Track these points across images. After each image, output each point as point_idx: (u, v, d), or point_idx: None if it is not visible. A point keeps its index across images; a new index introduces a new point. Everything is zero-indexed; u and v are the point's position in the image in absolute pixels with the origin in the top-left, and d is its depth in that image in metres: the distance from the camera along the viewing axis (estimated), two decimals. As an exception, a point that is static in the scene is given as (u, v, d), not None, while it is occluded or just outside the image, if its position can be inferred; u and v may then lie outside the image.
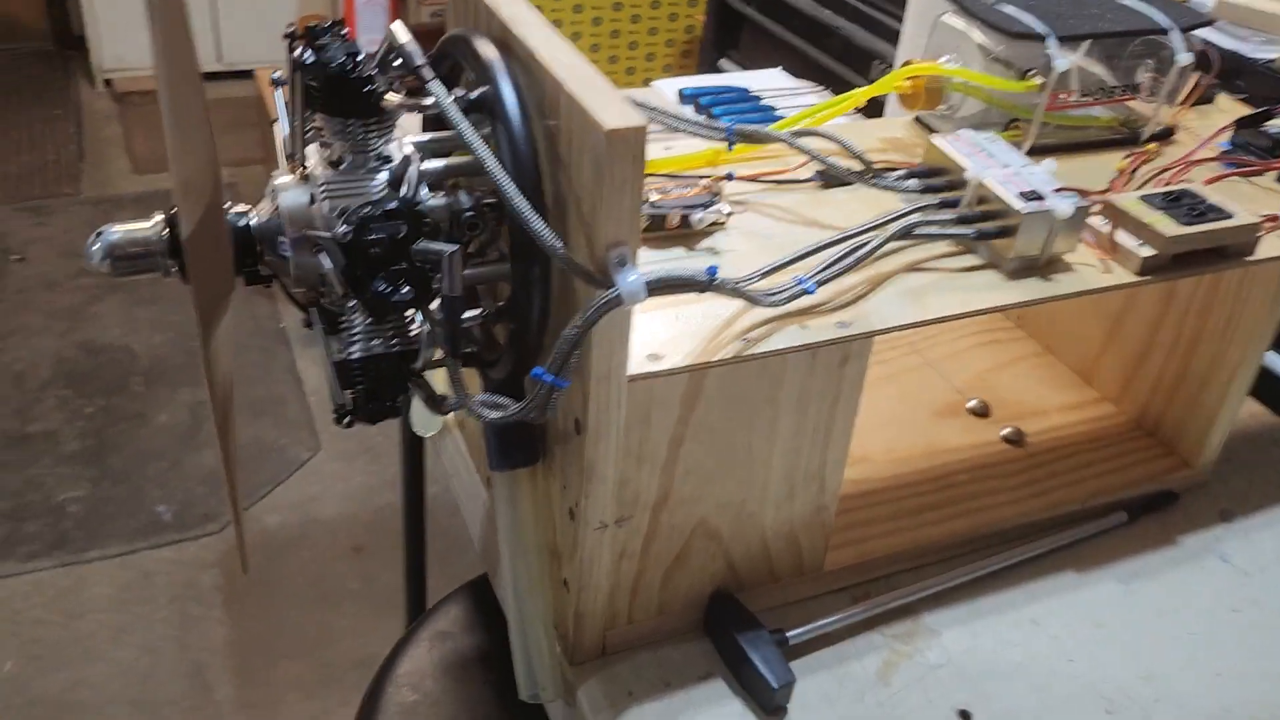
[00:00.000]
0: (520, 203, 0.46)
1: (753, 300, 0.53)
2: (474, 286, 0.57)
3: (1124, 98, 0.74)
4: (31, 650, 1.51)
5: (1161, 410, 0.80)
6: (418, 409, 0.77)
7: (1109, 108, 0.75)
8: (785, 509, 0.63)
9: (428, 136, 0.52)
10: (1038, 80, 0.69)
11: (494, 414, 0.51)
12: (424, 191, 0.50)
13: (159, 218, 0.49)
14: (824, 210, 0.66)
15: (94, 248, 0.48)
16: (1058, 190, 0.61)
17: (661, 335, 0.54)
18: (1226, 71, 0.80)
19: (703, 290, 0.50)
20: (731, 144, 0.63)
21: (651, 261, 0.59)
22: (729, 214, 0.62)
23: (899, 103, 0.73)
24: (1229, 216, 0.63)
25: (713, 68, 2.10)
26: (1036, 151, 0.68)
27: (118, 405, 1.97)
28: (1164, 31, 0.71)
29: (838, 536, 0.68)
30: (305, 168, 0.50)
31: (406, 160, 0.49)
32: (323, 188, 0.49)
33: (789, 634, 0.62)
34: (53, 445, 1.87)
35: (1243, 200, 0.65)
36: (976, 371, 0.86)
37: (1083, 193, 0.62)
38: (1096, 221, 0.65)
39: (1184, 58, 0.71)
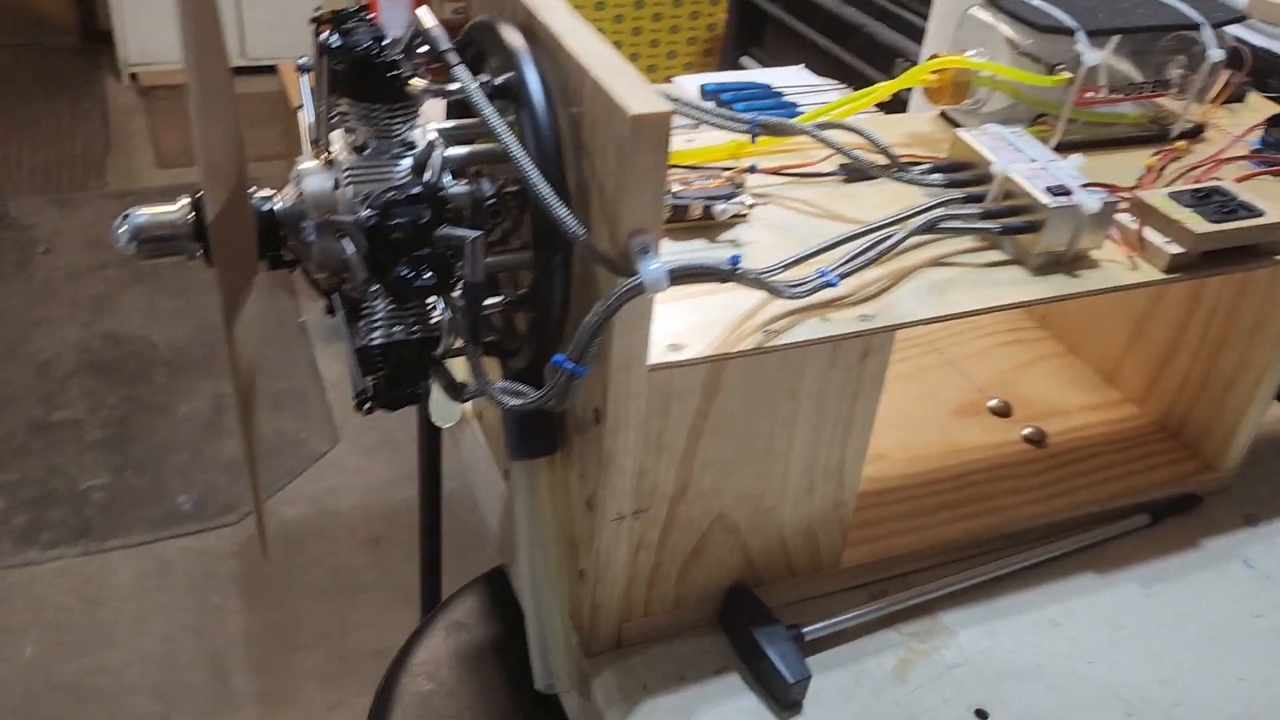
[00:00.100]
0: (544, 189, 0.45)
1: (775, 291, 0.53)
2: (495, 275, 0.57)
3: (1153, 94, 0.73)
4: (53, 636, 1.53)
5: (1186, 412, 0.79)
6: (436, 399, 0.77)
7: (1138, 104, 0.75)
8: (804, 504, 0.62)
9: (451, 124, 0.52)
10: (1066, 75, 0.68)
11: (514, 401, 0.51)
12: (447, 178, 0.50)
13: (185, 201, 0.49)
14: (847, 204, 0.65)
15: (120, 230, 0.48)
16: (1085, 186, 0.61)
17: (682, 325, 0.54)
18: (1258, 69, 0.79)
19: (725, 280, 0.50)
20: (755, 136, 0.63)
21: (673, 253, 0.58)
22: (751, 206, 0.62)
23: (924, 97, 0.73)
24: (1259, 214, 0.63)
25: (734, 65, 2.10)
26: (1063, 148, 0.67)
27: (140, 395, 1.99)
28: (1195, 27, 0.70)
29: (855, 533, 0.67)
30: (330, 153, 0.50)
31: (430, 146, 0.49)
32: (347, 173, 0.49)
33: (805, 630, 0.62)
34: (76, 434, 1.88)
35: (1273, 199, 0.64)
36: (998, 371, 0.86)
37: (1110, 189, 0.62)
38: (1124, 218, 0.64)
39: (1215, 54, 0.70)
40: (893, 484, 0.73)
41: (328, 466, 1.89)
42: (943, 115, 0.76)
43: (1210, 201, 0.63)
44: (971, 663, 0.63)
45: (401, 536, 1.75)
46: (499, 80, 0.48)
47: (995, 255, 0.62)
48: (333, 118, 0.50)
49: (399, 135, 0.49)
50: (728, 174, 0.63)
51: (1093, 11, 0.69)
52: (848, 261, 0.56)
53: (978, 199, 0.63)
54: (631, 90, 0.44)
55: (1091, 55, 0.68)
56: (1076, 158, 0.64)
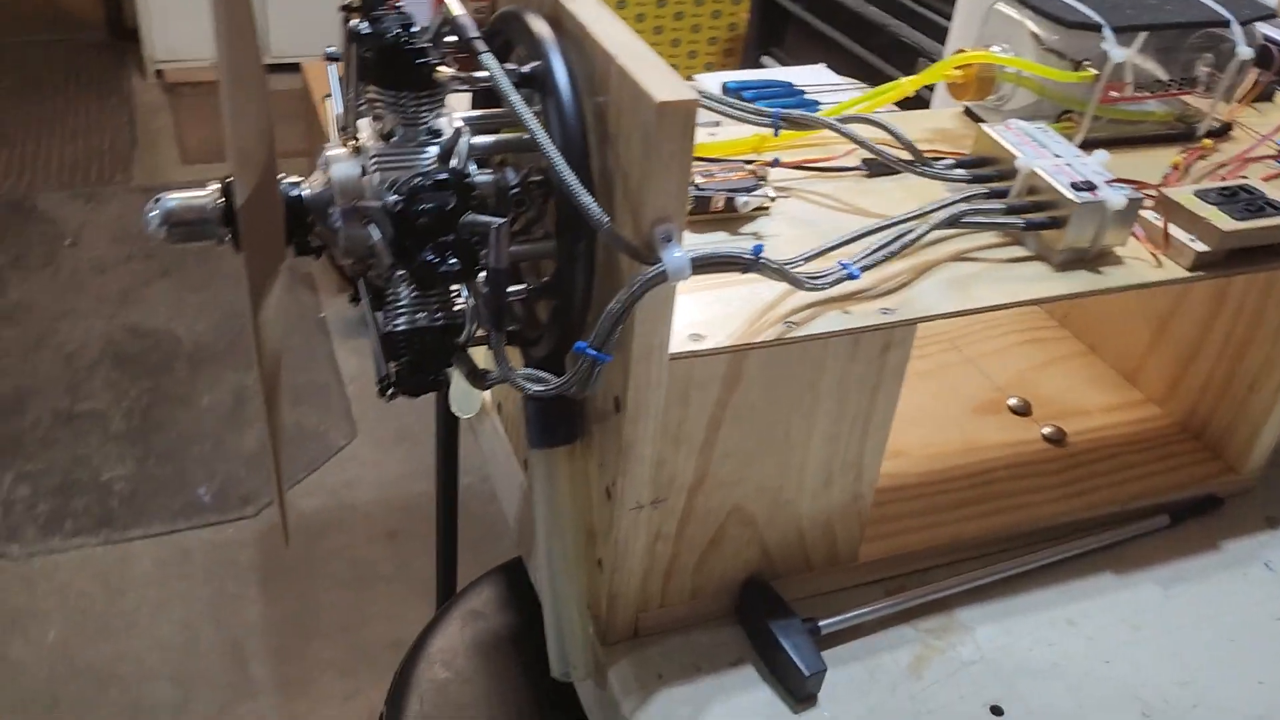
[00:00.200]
0: (568, 176, 0.46)
1: (796, 283, 0.53)
2: (518, 264, 0.57)
3: (1180, 92, 0.73)
4: (76, 622, 1.55)
5: (1208, 414, 0.78)
6: (457, 389, 0.78)
7: (1164, 102, 0.74)
8: (822, 497, 0.62)
9: (477, 113, 0.53)
10: (1092, 72, 0.68)
11: (536, 387, 0.51)
12: (472, 166, 0.50)
13: (215, 186, 0.50)
14: (870, 198, 0.65)
15: (152, 214, 0.49)
16: (1110, 182, 0.61)
17: (704, 316, 0.54)
18: (1287, 68, 0.79)
19: (747, 269, 0.50)
20: (777, 130, 0.63)
21: (695, 244, 0.59)
22: (773, 199, 0.62)
23: (948, 92, 0.72)
24: (1285, 213, 0.62)
25: (755, 65, 2.10)
26: (1088, 145, 0.67)
27: (163, 387, 2.01)
28: (1224, 24, 0.70)
29: (872, 529, 0.67)
30: (357, 140, 0.51)
31: (457, 133, 0.49)
32: (374, 160, 0.49)
33: (821, 623, 0.62)
34: (100, 424, 1.90)
35: (1300, 198, 0.64)
36: (1018, 370, 0.85)
37: (1136, 185, 0.61)
38: (1149, 215, 0.64)
39: (1244, 52, 0.70)
40: (911, 480, 0.73)
41: (346, 459, 1.91)
42: (966, 111, 0.76)
43: (1237, 199, 0.63)
44: (988, 660, 0.63)
45: (418, 530, 1.76)
46: (525, 69, 0.49)
47: (1018, 251, 0.62)
48: (360, 105, 0.51)
49: (426, 123, 0.50)
50: (750, 167, 0.63)
51: (1120, 7, 0.69)
52: (869, 255, 0.57)
53: (1001, 194, 0.63)
54: (657, 78, 0.44)
55: (1118, 52, 0.67)
56: (1102, 154, 0.63)
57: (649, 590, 0.61)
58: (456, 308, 0.53)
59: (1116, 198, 0.59)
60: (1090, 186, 0.60)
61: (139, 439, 1.88)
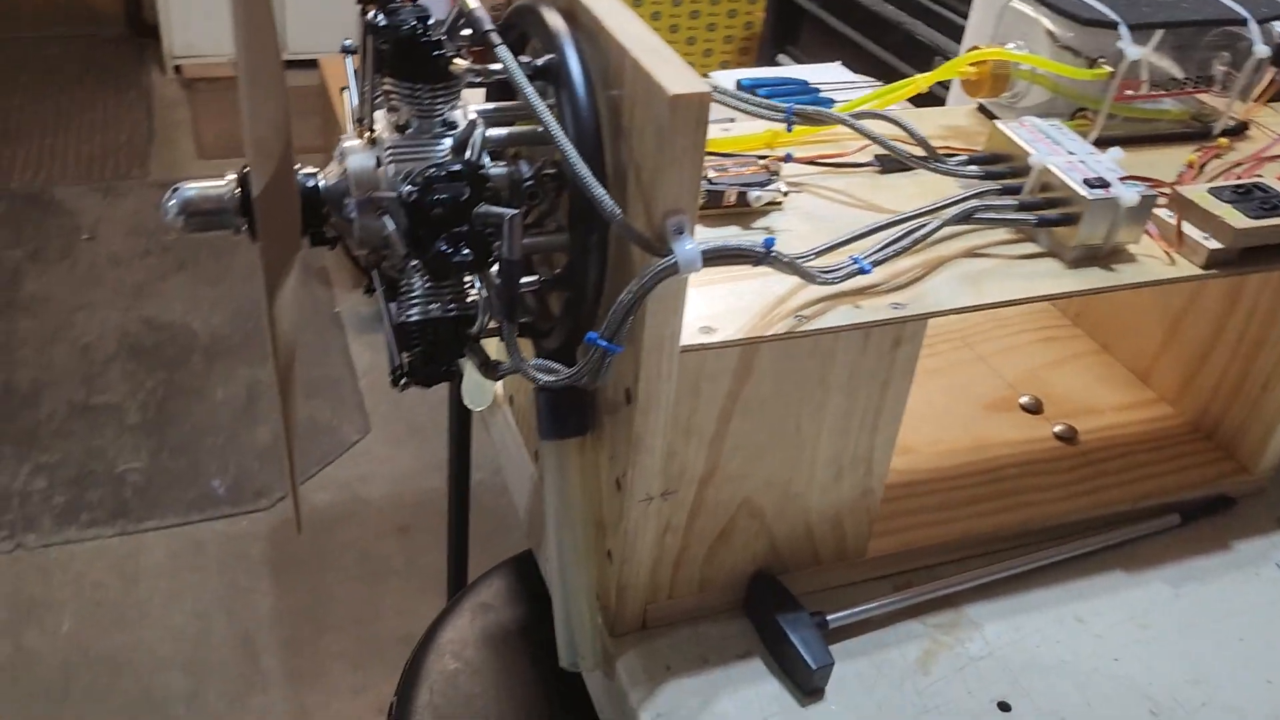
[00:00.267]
0: (581, 167, 0.46)
1: (808, 277, 0.53)
2: (531, 256, 0.58)
3: (1196, 90, 0.73)
4: (90, 612, 1.56)
5: (1221, 413, 0.78)
6: (469, 382, 0.78)
7: (1180, 100, 0.74)
8: (831, 491, 0.63)
9: (492, 106, 0.53)
10: (1107, 69, 0.68)
11: (547, 378, 0.51)
12: (486, 159, 0.50)
13: (232, 176, 0.50)
14: (882, 194, 0.65)
15: (170, 203, 0.49)
16: (1123, 179, 0.61)
17: (715, 309, 0.54)
18: (1304, 68, 0.78)
19: (758, 263, 0.50)
20: (790, 125, 0.63)
21: (707, 238, 0.59)
22: (786, 194, 0.62)
23: (963, 89, 0.72)
24: (1300, 212, 0.62)
25: (771, 63, 2.10)
26: (1103, 143, 0.67)
27: (178, 380, 2.02)
28: (1241, 22, 0.70)
29: (882, 525, 0.67)
30: (373, 132, 0.51)
31: (471, 125, 0.49)
32: (389, 151, 0.50)
33: (829, 617, 0.62)
34: (116, 417, 1.92)
35: (1314, 197, 0.64)
36: (1030, 368, 0.85)
37: (1149, 183, 0.61)
38: (1162, 213, 0.64)
39: (1261, 50, 0.70)
40: (921, 477, 0.73)
41: (359, 454, 1.91)
42: (980, 109, 0.76)
43: (1251, 197, 0.63)
44: (996, 656, 0.63)
45: (429, 525, 1.76)
46: (540, 62, 0.49)
47: (1031, 248, 0.62)
48: (376, 97, 0.51)
49: (441, 115, 0.50)
50: (763, 162, 0.63)
51: (1136, 5, 0.69)
52: (880, 249, 0.57)
53: (1014, 191, 0.63)
54: (671, 71, 0.44)
55: (1133, 49, 0.67)
56: (1116, 151, 0.63)
57: (658, 582, 0.61)
58: (469, 299, 0.53)
59: (1129, 195, 0.59)
60: (1103, 184, 0.60)
61: (154, 431, 1.89)
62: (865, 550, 0.66)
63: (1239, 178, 0.69)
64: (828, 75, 1.34)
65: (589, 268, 0.51)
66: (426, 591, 1.64)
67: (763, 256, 0.49)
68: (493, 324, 0.53)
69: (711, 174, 0.61)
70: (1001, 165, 0.65)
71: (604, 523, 0.60)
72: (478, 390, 0.79)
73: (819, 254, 0.56)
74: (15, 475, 1.77)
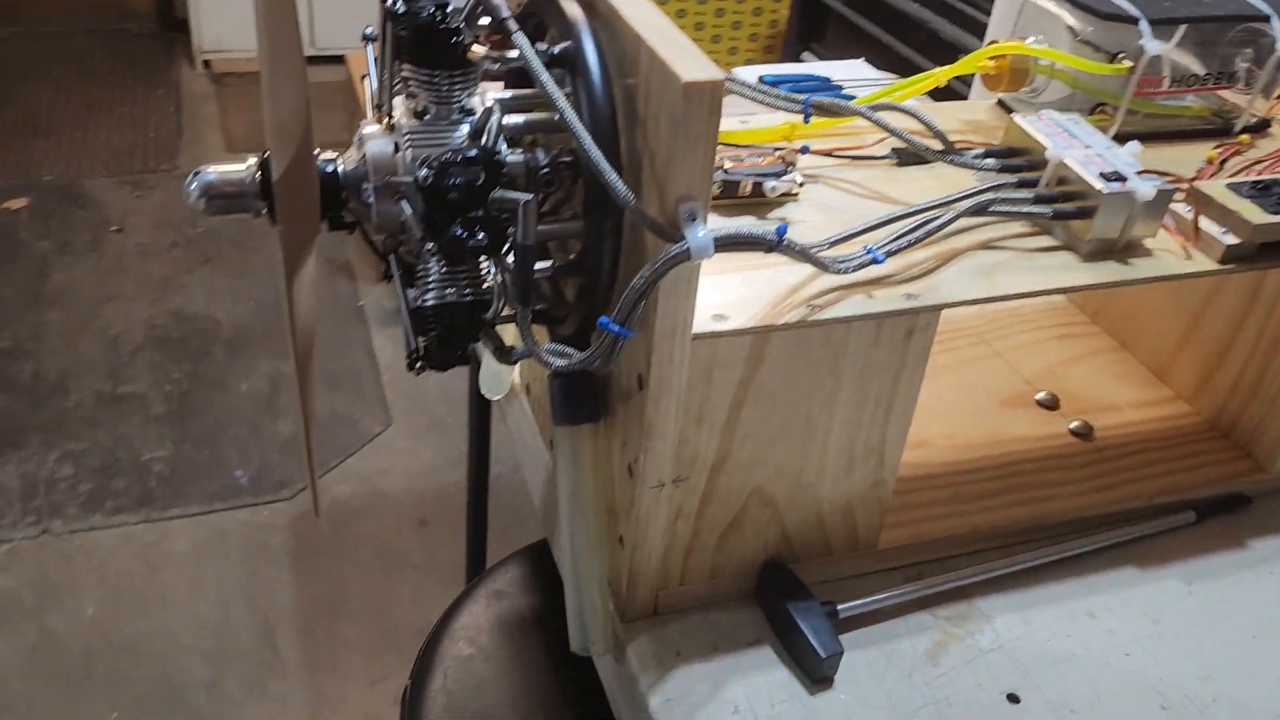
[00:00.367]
0: (595, 153, 0.47)
1: (820, 265, 0.54)
2: (546, 243, 0.58)
3: (1218, 86, 0.73)
4: (114, 598, 1.58)
5: (1238, 412, 0.78)
6: (487, 371, 0.79)
7: (1201, 97, 0.74)
8: (842, 482, 0.63)
9: (509, 93, 0.54)
10: (1126, 64, 0.68)
11: (560, 361, 0.52)
12: (503, 146, 0.51)
13: (253, 160, 0.51)
14: (899, 187, 0.66)
15: (191, 186, 0.50)
16: (1140, 173, 0.61)
17: (728, 297, 0.55)
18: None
19: (770, 250, 0.50)
20: (808, 116, 0.63)
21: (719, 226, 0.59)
22: (801, 184, 0.63)
23: (982, 83, 0.73)
24: (1319, 208, 0.62)
25: (795, 61, 2.10)
26: (1123, 139, 0.67)
27: (203, 372, 2.04)
28: (1264, 19, 0.69)
29: (894, 516, 0.67)
30: (391, 118, 0.52)
31: (488, 112, 0.50)
32: (407, 137, 0.50)
33: (840, 607, 0.63)
34: (141, 407, 1.94)
35: (1334, 193, 0.63)
36: (1047, 364, 0.85)
37: (1167, 177, 0.61)
38: (1180, 208, 0.64)
39: (1281, 47, 0.69)
40: (935, 470, 0.73)
41: (380, 447, 1.93)
42: (1000, 103, 0.76)
43: (1270, 193, 0.63)
44: (1006, 648, 0.63)
45: (449, 519, 1.77)
46: (557, 49, 0.50)
47: (1046, 241, 0.62)
48: (395, 84, 0.52)
49: (458, 101, 0.51)
50: (779, 153, 0.63)
51: (1157, 0, 0.69)
52: (894, 240, 0.57)
53: (1030, 184, 0.63)
54: (685, 59, 0.45)
55: (1153, 44, 0.67)
56: (1134, 145, 0.63)
57: (669, 568, 0.61)
58: (485, 284, 0.54)
59: (1146, 188, 0.59)
60: (1120, 177, 0.60)
61: (178, 422, 1.92)
62: (877, 541, 0.67)
63: (1259, 174, 0.69)
64: (850, 72, 1.34)
65: (603, 254, 0.51)
66: (444, 584, 1.65)
67: (775, 244, 0.50)
68: (508, 310, 0.54)
69: (727, 164, 0.61)
70: (1018, 159, 0.65)
71: (616, 509, 0.61)
72: (495, 379, 0.80)
73: (832, 244, 0.56)
74: (43, 463, 1.79)
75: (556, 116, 0.48)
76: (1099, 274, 0.60)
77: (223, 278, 2.29)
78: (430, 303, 0.53)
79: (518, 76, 0.56)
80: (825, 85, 1.22)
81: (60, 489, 1.75)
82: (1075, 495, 0.73)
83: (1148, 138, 0.70)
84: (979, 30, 1.50)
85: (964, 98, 1.11)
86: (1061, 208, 0.61)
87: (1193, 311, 0.79)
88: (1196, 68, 0.72)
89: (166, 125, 2.88)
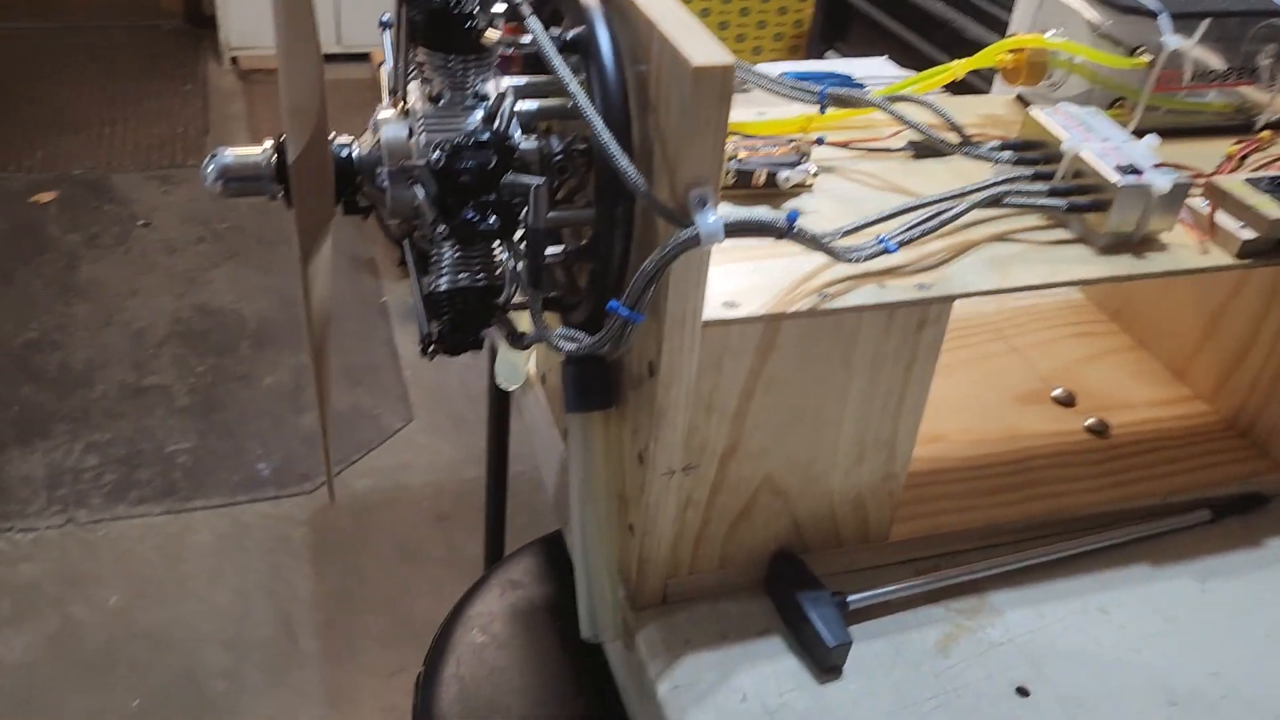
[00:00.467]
0: (607, 137, 0.47)
1: (831, 254, 0.54)
2: (560, 229, 0.59)
3: (1239, 82, 0.72)
4: (137, 587, 1.60)
5: (1257, 411, 0.77)
6: (502, 361, 0.80)
7: (1223, 93, 0.73)
8: (854, 473, 0.63)
9: (524, 80, 0.54)
10: (1145, 58, 0.68)
11: (570, 345, 0.52)
12: (516, 131, 0.51)
13: (269, 144, 0.52)
14: (914, 179, 0.65)
15: (208, 169, 0.51)
16: (1157, 166, 0.60)
17: (739, 285, 0.55)
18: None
19: (780, 236, 0.50)
20: (824, 107, 0.64)
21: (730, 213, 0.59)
22: (816, 174, 0.63)
23: (1000, 77, 0.72)
24: (1338, 202, 0.61)
25: (819, 60, 2.10)
26: (1142, 134, 0.66)
27: (226, 365, 2.06)
28: (1283, 13, 0.69)
29: (906, 510, 0.67)
30: (406, 103, 0.53)
31: (501, 96, 0.50)
32: (421, 121, 0.51)
33: (850, 598, 0.62)
34: (166, 399, 1.96)
35: (1355, 188, 0.63)
36: (1064, 362, 0.85)
37: (1192, 174, 0.61)
38: (1197, 203, 0.63)
39: (1302, 41, 0.69)
40: (948, 464, 0.73)
41: (401, 442, 1.94)
42: (1018, 98, 0.76)
43: (1288, 188, 0.62)
44: (1016, 642, 0.63)
45: (468, 515, 1.78)
46: (570, 34, 0.50)
47: (1061, 234, 0.62)
48: (410, 70, 0.53)
49: (472, 86, 0.51)
50: (794, 143, 0.63)
51: (1176, -6, 0.68)
52: (906, 230, 0.57)
53: (1046, 177, 0.63)
54: (696, 43, 0.45)
55: (1173, 39, 0.67)
56: (1151, 138, 0.63)
57: (679, 557, 0.62)
58: (498, 270, 0.54)
59: (1162, 181, 0.59)
60: (1136, 170, 0.60)
61: (202, 414, 1.94)
62: (888, 534, 0.67)
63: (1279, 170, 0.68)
64: (873, 70, 1.34)
65: (614, 240, 0.52)
66: (463, 578, 1.65)
67: (785, 231, 0.50)
68: (520, 295, 0.55)
69: (742, 154, 0.61)
70: (1035, 152, 0.65)
71: (627, 496, 0.61)
72: (510, 369, 0.80)
73: (845, 234, 0.56)
74: (69, 453, 1.82)
75: (570, 103, 0.49)
76: (1113, 267, 0.60)
77: (248, 273, 2.31)
78: (443, 287, 0.53)
79: (534, 63, 0.56)
80: (846, 82, 1.22)
81: (85, 479, 1.78)
82: (1089, 492, 0.72)
83: (1168, 134, 0.70)
84: (1002, 28, 1.49)
85: (984, 93, 1.10)
86: (1077, 200, 0.61)
87: (1213, 311, 0.79)
88: (1218, 63, 0.71)
89: (194, 121, 2.91)
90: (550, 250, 0.53)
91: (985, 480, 0.72)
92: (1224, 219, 0.62)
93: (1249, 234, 0.61)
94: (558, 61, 0.48)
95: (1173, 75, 0.70)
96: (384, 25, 0.54)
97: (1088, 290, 0.91)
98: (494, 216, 0.48)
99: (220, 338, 2.13)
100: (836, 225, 0.57)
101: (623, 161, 0.47)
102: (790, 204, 0.62)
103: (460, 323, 0.54)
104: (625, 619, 0.63)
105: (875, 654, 0.62)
